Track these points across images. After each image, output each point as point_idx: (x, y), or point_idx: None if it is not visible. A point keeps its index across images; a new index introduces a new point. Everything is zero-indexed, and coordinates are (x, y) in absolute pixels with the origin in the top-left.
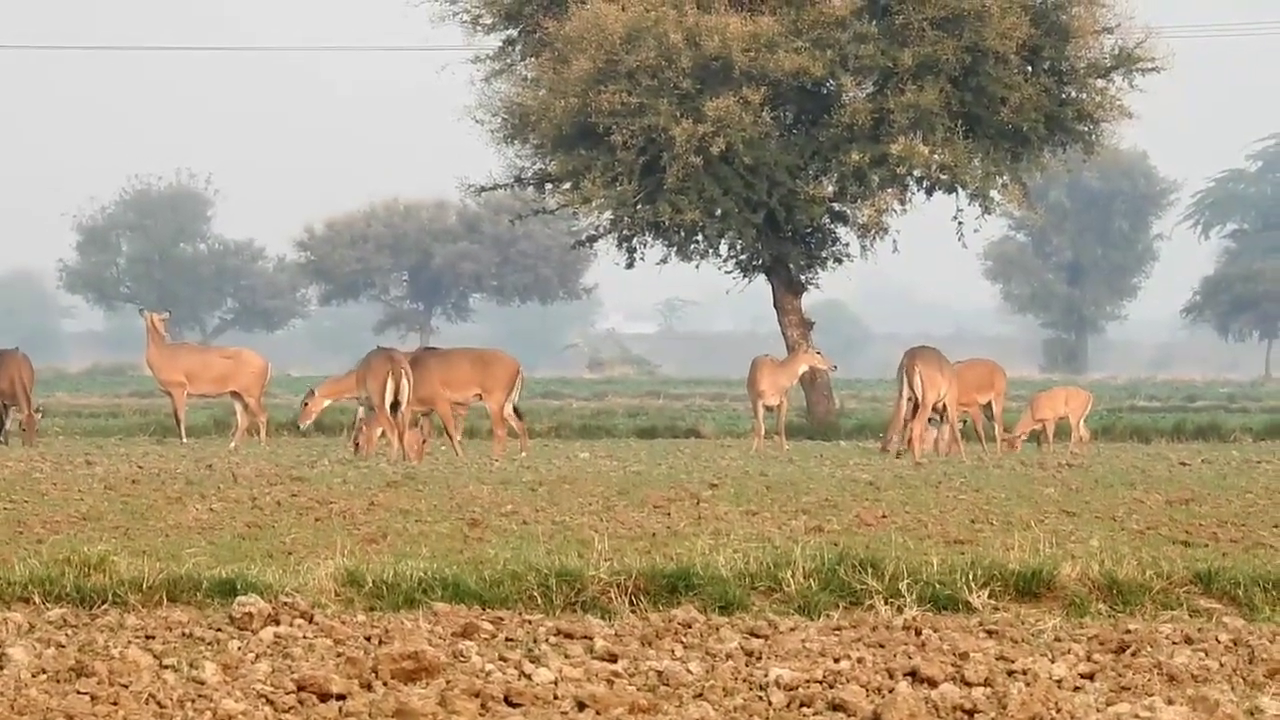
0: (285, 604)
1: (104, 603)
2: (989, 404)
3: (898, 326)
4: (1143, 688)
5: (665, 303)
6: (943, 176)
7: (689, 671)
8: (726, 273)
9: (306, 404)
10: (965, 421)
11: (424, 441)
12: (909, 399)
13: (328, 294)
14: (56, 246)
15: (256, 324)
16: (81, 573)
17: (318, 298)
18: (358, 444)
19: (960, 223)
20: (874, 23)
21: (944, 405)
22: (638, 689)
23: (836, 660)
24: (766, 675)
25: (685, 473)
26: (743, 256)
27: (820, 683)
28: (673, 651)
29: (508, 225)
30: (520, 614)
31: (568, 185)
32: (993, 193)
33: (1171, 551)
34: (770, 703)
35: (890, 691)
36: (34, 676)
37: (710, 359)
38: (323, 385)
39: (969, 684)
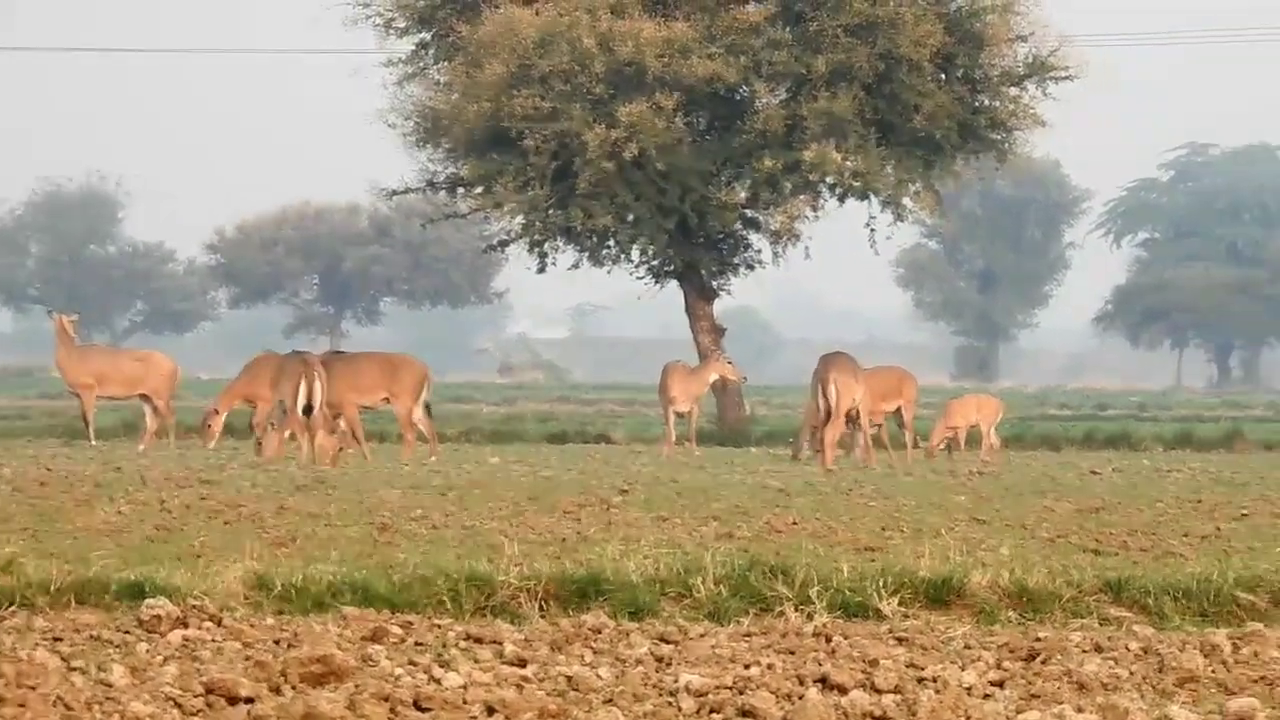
0: (194, 607)
1: (11, 605)
2: (898, 410)
3: (809, 333)
4: (1052, 695)
5: (576, 308)
6: (855, 183)
7: (599, 677)
8: (638, 278)
9: (209, 425)
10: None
11: (340, 449)
12: (823, 406)
13: (237, 297)
14: None
15: (166, 326)
16: None
17: (227, 301)
18: (260, 444)
19: (872, 230)
20: (788, 29)
21: (857, 412)
22: (547, 694)
23: (746, 667)
24: (676, 681)
25: (596, 478)
26: (654, 262)
27: (730, 689)
28: (582, 657)
29: (419, 229)
30: (430, 619)
31: (480, 189)
32: (905, 200)
33: (1082, 560)
34: (680, 709)
35: (800, 698)
36: None
37: (621, 364)
38: (218, 398)
39: (879, 691)
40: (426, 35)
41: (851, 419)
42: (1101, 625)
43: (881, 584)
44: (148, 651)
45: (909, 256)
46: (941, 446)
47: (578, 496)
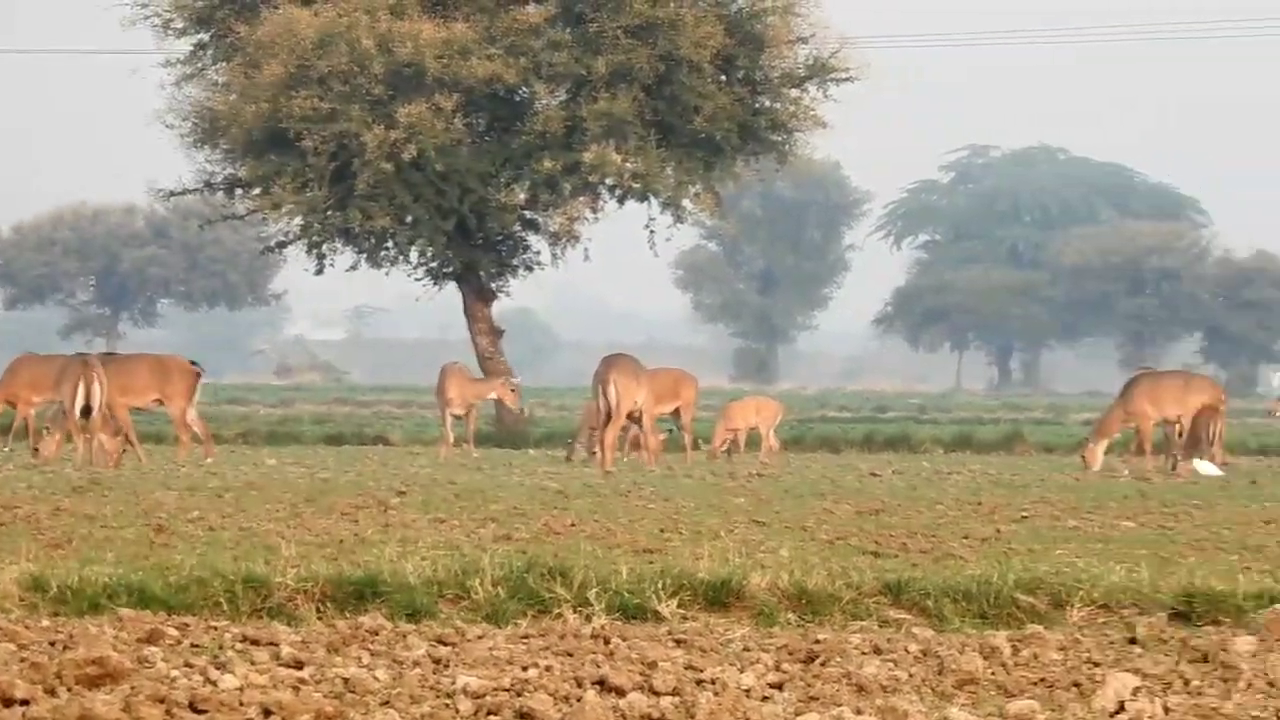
0: None
1: None
2: (676, 412)
3: (588, 335)
4: (831, 698)
5: (354, 309)
6: (635, 185)
7: (376, 679)
8: (416, 280)
9: None
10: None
11: (123, 451)
12: (603, 407)
13: (12, 298)
14: None
15: None
16: None
17: (3, 302)
18: (38, 449)
19: (652, 231)
20: (568, 30)
21: (640, 414)
22: (324, 696)
23: (524, 669)
24: (454, 683)
25: (373, 480)
26: (433, 264)
27: (508, 691)
28: (359, 659)
29: (196, 230)
30: (206, 620)
31: (258, 191)
32: (685, 201)
33: (861, 562)
34: (458, 710)
35: (578, 700)
36: None
37: (399, 366)
38: None
39: (657, 693)
40: (205, 36)
41: (634, 420)
42: (881, 627)
43: (660, 586)
44: None
45: (688, 258)
46: (724, 449)
47: (355, 498)
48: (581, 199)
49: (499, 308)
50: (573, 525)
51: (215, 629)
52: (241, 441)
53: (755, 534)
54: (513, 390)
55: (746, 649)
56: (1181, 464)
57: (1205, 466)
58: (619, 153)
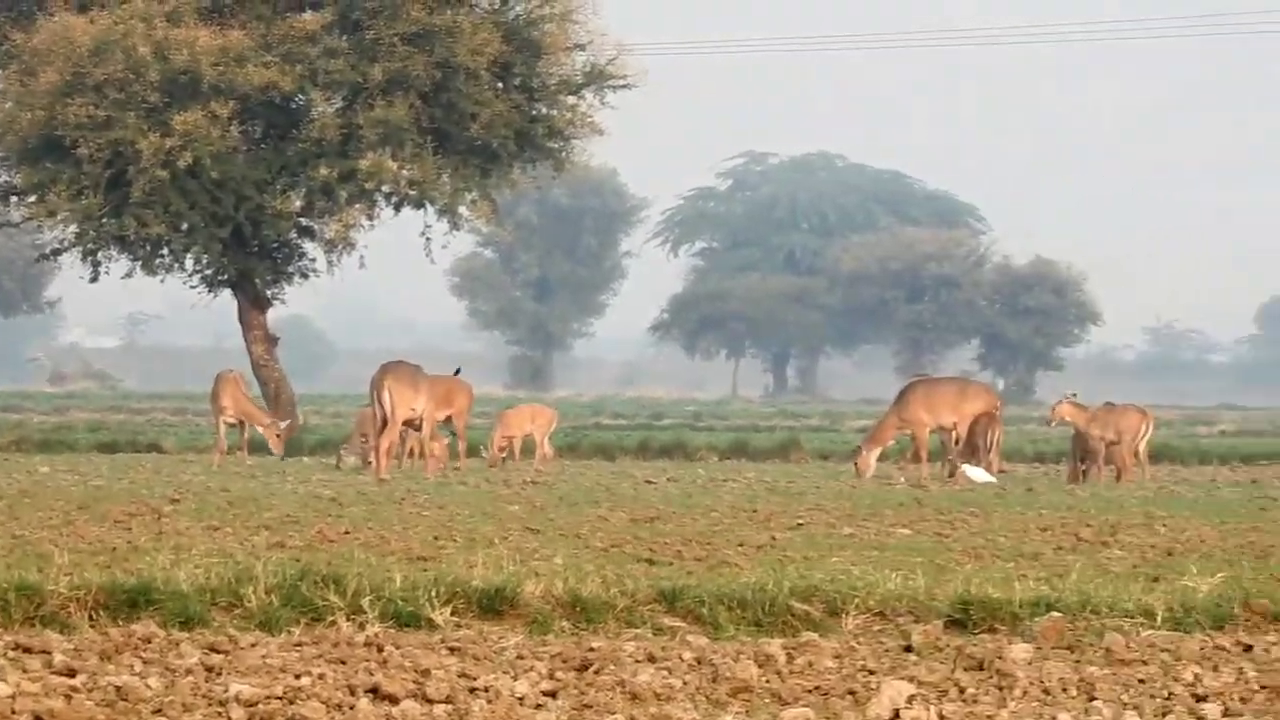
0: None
1: None
2: (449, 419)
3: (363, 342)
4: (605, 706)
5: (128, 317)
6: (411, 192)
7: (148, 687)
8: (191, 287)
9: None
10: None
11: None
12: (379, 414)
13: None
14: None
15: None
16: None
17: None
18: None
19: (428, 239)
20: (344, 38)
21: (420, 421)
22: (96, 704)
23: (297, 676)
24: (226, 691)
25: (146, 488)
26: (208, 271)
27: (281, 699)
28: (132, 666)
29: None
30: None
31: (33, 198)
32: (461, 209)
33: (636, 569)
34: (230, 718)
35: (351, 708)
36: None
37: (173, 374)
38: None
39: (430, 701)
40: None
41: (415, 427)
42: (655, 635)
43: (434, 594)
44: None
45: (465, 265)
46: (503, 456)
47: (128, 506)
48: (358, 206)
49: (274, 315)
50: (347, 533)
51: None
52: (14, 449)
53: (530, 541)
54: (278, 435)
55: (520, 657)
56: (958, 471)
57: (977, 473)
58: (395, 160)
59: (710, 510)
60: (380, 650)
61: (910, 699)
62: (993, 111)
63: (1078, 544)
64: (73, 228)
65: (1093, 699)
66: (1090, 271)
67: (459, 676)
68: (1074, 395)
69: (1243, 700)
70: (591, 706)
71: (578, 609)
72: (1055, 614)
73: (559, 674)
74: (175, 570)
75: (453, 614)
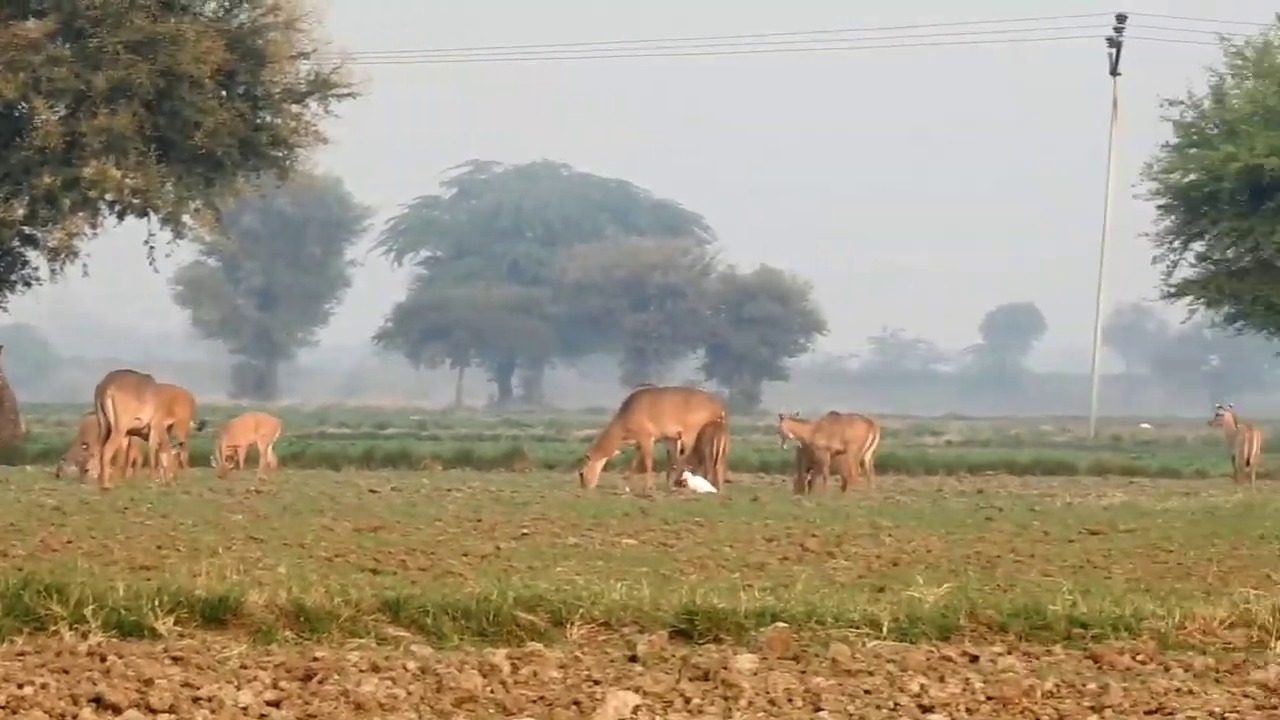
0: None
1: None
2: (171, 428)
3: (86, 351)
4: (329, 715)
5: None
6: (135, 201)
7: None
8: None
9: None
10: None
11: None
12: (103, 423)
13: None
14: None
15: None
16: None
17: None
18: None
19: (152, 247)
20: (68, 46)
21: (147, 430)
22: None
23: (20, 686)
24: None
25: None
26: None
27: (3, 709)
28: None
29: None
30: None
31: None
32: (185, 217)
33: (360, 579)
34: None
35: (75, 718)
36: None
37: None
38: None
39: (154, 711)
40: None
41: (143, 436)
42: (380, 645)
43: (157, 603)
44: None
45: (188, 274)
46: (231, 466)
47: None
48: (81, 215)
49: None
50: (69, 542)
51: None
52: None
53: (253, 551)
54: None
55: (244, 667)
56: (683, 481)
57: (699, 482)
58: (119, 168)
59: (435, 520)
60: (103, 660)
61: (635, 709)
62: (718, 123)
63: (803, 554)
64: None
65: (819, 709)
66: (816, 281)
67: (182, 686)
68: (796, 414)
69: (969, 711)
70: (315, 716)
71: (302, 619)
72: (781, 624)
73: (283, 684)
74: None
75: (176, 623)
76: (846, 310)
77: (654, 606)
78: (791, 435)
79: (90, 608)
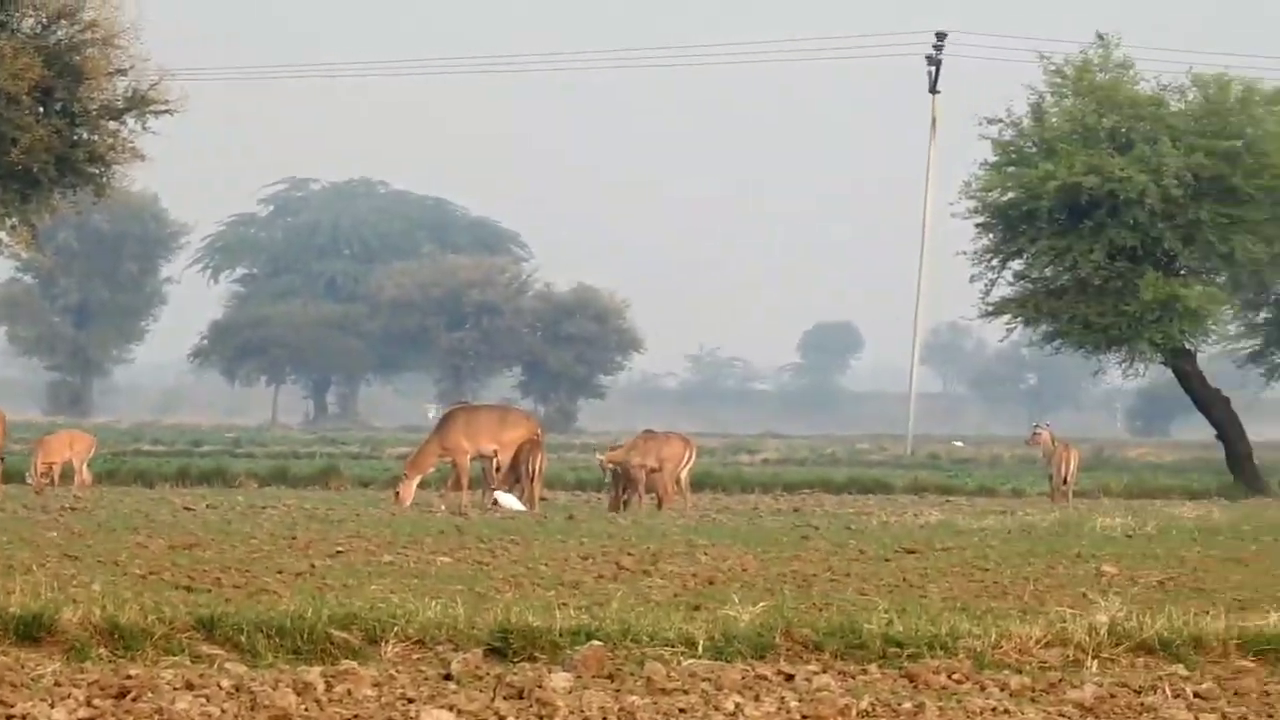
0: None
1: None
2: None
3: None
4: None
5: None
6: None
7: None
8: None
9: None
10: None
11: None
12: None
13: None
14: None
15: None
16: None
17: None
18: None
19: None
20: None
21: None
22: None
23: None
24: None
25: None
26: None
27: None
28: None
29: None
30: None
31: None
32: (1, 234)
33: (174, 597)
34: None
35: None
36: None
37: None
38: None
39: None
40: None
41: None
42: (194, 663)
43: None
44: None
45: (3, 291)
46: (47, 482)
47: None
48: None
49: None
50: None
51: None
52: None
53: (68, 568)
54: None
55: (57, 684)
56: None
57: (507, 499)
58: None
59: (249, 537)
60: None
61: None
62: (534, 140)
63: (619, 572)
64: None
65: None
66: (633, 299)
67: None
68: (614, 444)
69: None
70: None
71: (116, 636)
72: (596, 643)
73: (96, 701)
74: None
75: None
76: (664, 328)
77: (469, 625)
78: (611, 465)
79: None
